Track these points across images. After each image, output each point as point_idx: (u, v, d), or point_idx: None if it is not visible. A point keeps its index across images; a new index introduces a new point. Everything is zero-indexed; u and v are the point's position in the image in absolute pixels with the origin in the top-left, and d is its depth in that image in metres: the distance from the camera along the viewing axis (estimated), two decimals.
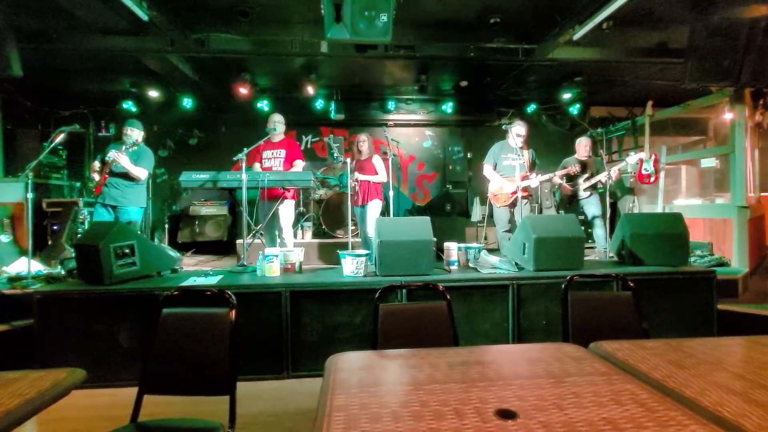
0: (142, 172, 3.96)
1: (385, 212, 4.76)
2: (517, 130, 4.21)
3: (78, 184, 6.22)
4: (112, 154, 3.84)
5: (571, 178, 4.62)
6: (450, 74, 6.19)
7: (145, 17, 3.81)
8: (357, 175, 4.35)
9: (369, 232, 4.27)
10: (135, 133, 4.06)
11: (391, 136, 4.50)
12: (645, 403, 0.96)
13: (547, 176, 4.41)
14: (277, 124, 4.12)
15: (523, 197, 4.16)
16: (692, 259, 4.09)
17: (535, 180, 4.26)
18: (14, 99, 6.02)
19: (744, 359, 1.26)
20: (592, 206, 4.60)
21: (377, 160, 4.46)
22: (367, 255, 3.09)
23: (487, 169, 4.41)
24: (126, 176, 3.92)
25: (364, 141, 4.48)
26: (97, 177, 3.93)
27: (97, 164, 4.00)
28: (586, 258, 3.37)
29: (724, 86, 4.38)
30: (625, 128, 6.81)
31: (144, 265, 2.96)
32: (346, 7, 3.29)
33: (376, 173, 4.41)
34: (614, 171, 4.39)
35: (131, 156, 3.90)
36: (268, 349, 2.74)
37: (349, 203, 4.27)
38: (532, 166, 4.33)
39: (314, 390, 1.05)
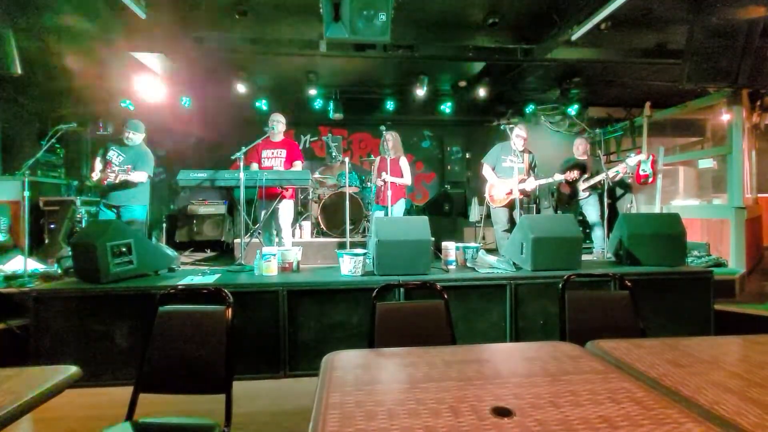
0: (141, 176, 3.91)
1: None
2: (519, 132, 4.27)
3: (75, 183, 6.20)
4: (114, 175, 3.77)
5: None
6: (449, 74, 6.20)
7: (143, 15, 3.80)
8: (384, 176, 4.33)
9: None
10: (136, 137, 4.02)
11: (389, 135, 4.50)
12: (641, 401, 0.96)
13: (545, 180, 4.42)
14: (278, 123, 4.11)
15: (520, 199, 4.19)
16: (689, 259, 4.10)
17: (531, 183, 4.28)
18: (12, 97, 5.99)
19: (740, 358, 1.26)
20: (590, 207, 4.61)
21: (404, 163, 4.47)
22: (365, 254, 3.08)
23: (486, 169, 4.44)
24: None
25: (389, 139, 4.45)
26: (95, 177, 3.90)
27: (99, 166, 3.94)
28: (583, 258, 3.37)
29: (722, 87, 4.38)
30: (624, 129, 6.82)
31: (141, 264, 2.95)
32: (344, 7, 3.28)
33: (402, 176, 4.43)
34: (612, 173, 4.42)
35: (127, 161, 3.89)
36: (265, 348, 2.73)
37: (347, 203, 4.26)
38: (531, 170, 4.37)
39: (311, 389, 1.04)
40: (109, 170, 3.78)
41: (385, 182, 4.34)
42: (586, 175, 4.59)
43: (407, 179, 4.46)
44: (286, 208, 4.08)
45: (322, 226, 5.50)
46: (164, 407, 1.75)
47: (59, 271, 3.48)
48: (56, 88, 6.27)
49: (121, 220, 3.91)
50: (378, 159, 4.65)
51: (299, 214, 5.65)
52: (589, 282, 2.86)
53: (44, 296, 2.64)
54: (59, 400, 1.11)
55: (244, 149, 3.51)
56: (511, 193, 4.19)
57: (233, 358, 1.51)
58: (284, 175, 3.72)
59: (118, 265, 2.81)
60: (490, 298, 2.96)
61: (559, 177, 4.50)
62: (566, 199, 4.80)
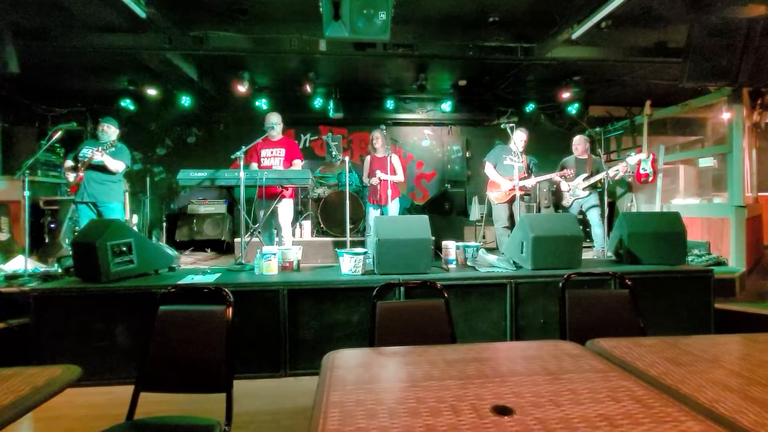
0: (119, 164, 3.92)
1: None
2: (520, 135, 4.43)
3: None
4: (92, 154, 3.79)
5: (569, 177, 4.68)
6: (449, 73, 6.19)
7: (143, 15, 3.80)
8: (379, 174, 4.39)
9: None
10: (111, 131, 4.07)
11: (390, 134, 4.54)
12: (641, 399, 0.96)
13: (544, 177, 4.52)
14: (275, 123, 4.11)
15: (521, 195, 4.29)
16: (690, 258, 4.10)
17: (531, 180, 4.45)
18: (11, 97, 5.99)
19: (740, 357, 1.26)
20: (590, 205, 4.62)
21: (396, 160, 4.55)
22: (365, 253, 3.08)
23: (488, 167, 4.57)
24: (105, 171, 3.87)
25: (378, 138, 4.52)
26: (71, 177, 3.87)
27: (69, 163, 3.92)
28: (583, 257, 3.37)
29: (722, 86, 4.38)
30: (624, 128, 6.81)
31: (141, 263, 2.95)
32: (344, 6, 3.28)
33: (395, 173, 4.49)
34: (612, 172, 4.45)
35: (111, 154, 3.88)
36: (265, 348, 2.73)
37: (347, 202, 4.26)
38: (529, 170, 4.52)
39: (312, 388, 1.04)
40: (85, 156, 3.80)
41: (381, 180, 4.38)
42: (584, 174, 4.60)
43: (401, 176, 4.57)
44: (285, 208, 4.09)
45: (322, 225, 5.51)
46: (165, 406, 1.75)
47: (59, 270, 3.48)
48: (56, 87, 6.28)
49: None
50: (369, 158, 4.68)
51: (299, 213, 5.66)
52: (590, 281, 2.85)
53: (45, 296, 2.64)
54: (59, 400, 1.11)
55: (244, 149, 3.50)
56: (512, 190, 4.28)
57: (234, 357, 1.51)
58: (284, 174, 3.72)
59: (119, 264, 2.81)
60: (491, 297, 2.96)
61: (557, 177, 4.58)
62: (562, 199, 4.84)
